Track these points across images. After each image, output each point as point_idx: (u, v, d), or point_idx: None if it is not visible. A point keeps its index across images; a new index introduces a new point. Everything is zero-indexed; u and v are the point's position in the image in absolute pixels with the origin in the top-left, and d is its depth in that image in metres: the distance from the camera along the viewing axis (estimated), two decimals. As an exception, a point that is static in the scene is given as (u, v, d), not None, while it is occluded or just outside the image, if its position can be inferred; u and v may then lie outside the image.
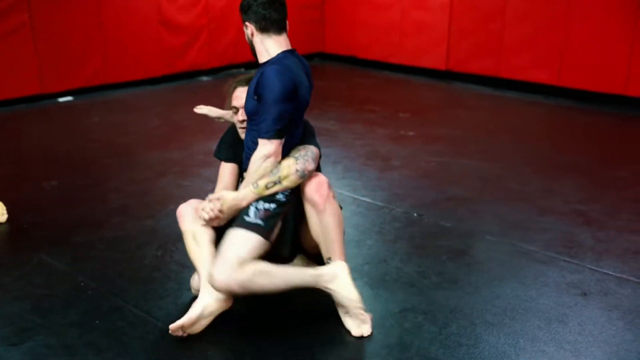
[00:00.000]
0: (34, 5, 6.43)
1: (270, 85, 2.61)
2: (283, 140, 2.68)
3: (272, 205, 2.68)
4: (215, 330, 2.69)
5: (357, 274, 3.22)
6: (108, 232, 3.68)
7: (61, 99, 6.79)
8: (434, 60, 8.00)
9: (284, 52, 2.74)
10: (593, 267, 3.29)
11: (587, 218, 3.91)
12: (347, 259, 3.35)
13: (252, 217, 2.65)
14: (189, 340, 2.63)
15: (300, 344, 2.63)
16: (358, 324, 2.68)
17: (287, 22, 2.79)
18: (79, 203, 4.12)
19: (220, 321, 2.70)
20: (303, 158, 2.70)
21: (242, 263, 2.55)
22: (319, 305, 2.93)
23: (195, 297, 2.74)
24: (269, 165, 2.66)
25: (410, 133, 5.74)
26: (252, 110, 2.70)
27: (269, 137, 2.63)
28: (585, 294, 3.03)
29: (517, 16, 7.22)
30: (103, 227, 3.74)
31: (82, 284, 3.09)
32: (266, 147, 2.65)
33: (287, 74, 2.63)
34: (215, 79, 7.98)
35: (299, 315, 2.86)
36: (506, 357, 2.55)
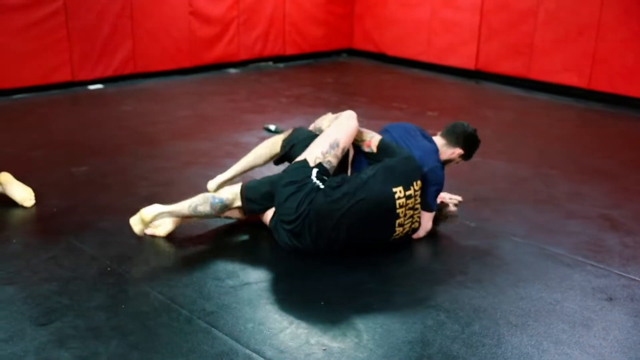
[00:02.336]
0: (68, -7, 6.53)
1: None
2: None
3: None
4: (240, 317, 2.72)
5: (381, 270, 3.23)
6: (135, 219, 3.72)
7: (91, 87, 6.87)
8: (464, 59, 7.96)
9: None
10: (620, 273, 3.25)
11: (615, 223, 3.87)
12: (372, 256, 3.36)
13: None
14: (213, 327, 2.66)
15: (318, 333, 2.65)
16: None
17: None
18: (107, 189, 4.17)
19: (247, 305, 2.72)
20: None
21: None
22: (340, 297, 2.94)
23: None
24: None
25: (438, 132, 5.71)
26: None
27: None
28: (611, 299, 3.00)
29: (549, 18, 7.15)
30: (130, 214, 3.77)
31: (108, 269, 3.13)
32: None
33: None
34: (243, 71, 8.02)
35: (315, 306, 2.87)
36: (529, 359, 2.54)
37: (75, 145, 5.06)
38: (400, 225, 3.29)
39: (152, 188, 4.19)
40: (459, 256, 3.39)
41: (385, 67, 8.59)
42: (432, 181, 3.43)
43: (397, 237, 3.34)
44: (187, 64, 7.62)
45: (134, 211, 3.82)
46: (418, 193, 3.32)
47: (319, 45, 8.84)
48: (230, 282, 3.04)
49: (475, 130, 3.69)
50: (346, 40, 9.12)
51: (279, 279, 3.19)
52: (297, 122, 5.30)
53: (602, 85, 6.88)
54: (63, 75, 6.67)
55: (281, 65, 8.46)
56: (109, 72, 6.99)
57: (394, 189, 3.20)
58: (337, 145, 3.34)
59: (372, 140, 3.45)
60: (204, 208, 3.42)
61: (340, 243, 3.24)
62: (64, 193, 4.08)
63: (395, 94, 7.16)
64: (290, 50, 8.56)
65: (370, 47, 8.99)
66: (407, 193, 3.24)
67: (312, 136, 3.50)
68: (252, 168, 3.76)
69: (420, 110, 6.47)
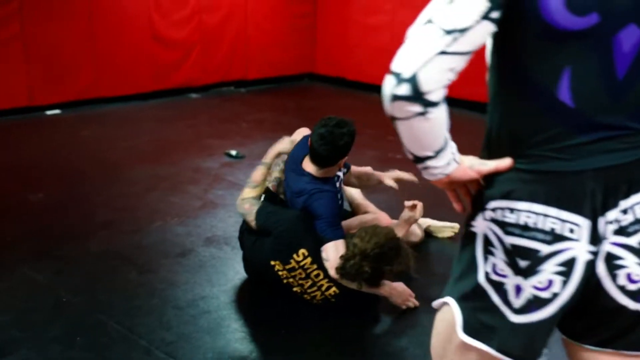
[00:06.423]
0: (26, 17, 6.43)
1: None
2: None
3: None
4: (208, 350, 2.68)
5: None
6: (93, 246, 3.66)
7: (49, 112, 6.76)
8: (424, 84, 8.06)
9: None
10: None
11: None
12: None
13: None
14: (171, 358, 2.61)
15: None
16: None
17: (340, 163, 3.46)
18: (65, 216, 4.09)
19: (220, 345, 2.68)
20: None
21: None
22: (302, 324, 2.92)
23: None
24: None
25: (398, 156, 5.76)
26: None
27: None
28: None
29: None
30: (88, 241, 3.72)
31: (64, 299, 3.06)
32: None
33: None
34: (204, 96, 7.99)
35: (276, 334, 2.85)
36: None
37: (31, 171, 4.96)
38: (304, 292, 3.00)
39: (112, 214, 4.13)
40: (420, 282, 3.39)
41: (346, 91, 8.66)
42: (315, 214, 3.02)
43: (320, 299, 3.00)
44: (148, 88, 7.55)
45: (91, 239, 3.77)
46: (307, 261, 2.93)
47: (282, 70, 8.87)
48: (191, 311, 3.00)
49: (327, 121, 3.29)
50: (308, 65, 9.18)
51: (240, 308, 3.16)
52: (259, 146, 5.28)
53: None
54: (20, 101, 6.56)
55: (243, 89, 8.46)
56: (69, 97, 6.89)
57: (272, 262, 3.00)
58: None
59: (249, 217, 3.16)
60: None
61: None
62: (19, 221, 3.99)
63: (357, 119, 7.13)
64: (252, 75, 8.57)
65: (331, 72, 9.06)
66: (288, 267, 2.97)
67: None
68: None
69: (382, 134, 6.51)
